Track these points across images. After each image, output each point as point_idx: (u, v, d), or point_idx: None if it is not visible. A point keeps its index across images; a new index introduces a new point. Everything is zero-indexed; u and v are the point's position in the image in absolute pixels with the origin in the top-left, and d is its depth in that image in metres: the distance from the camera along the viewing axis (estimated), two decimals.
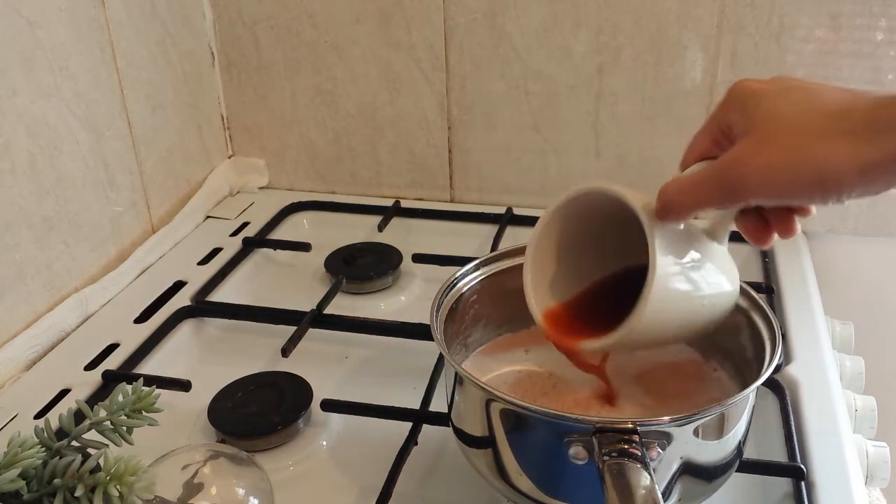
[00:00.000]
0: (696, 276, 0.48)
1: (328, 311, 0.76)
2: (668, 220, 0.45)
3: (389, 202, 0.96)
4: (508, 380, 0.58)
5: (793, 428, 0.60)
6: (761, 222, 0.45)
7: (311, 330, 0.73)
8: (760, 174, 0.39)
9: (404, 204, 0.96)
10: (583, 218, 0.51)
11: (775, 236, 0.46)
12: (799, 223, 0.45)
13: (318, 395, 0.64)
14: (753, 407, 0.51)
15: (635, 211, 0.46)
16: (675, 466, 0.47)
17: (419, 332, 0.71)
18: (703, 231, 0.49)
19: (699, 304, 0.49)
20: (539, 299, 0.53)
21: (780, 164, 0.39)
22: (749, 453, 0.55)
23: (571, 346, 0.51)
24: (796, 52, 0.82)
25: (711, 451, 0.49)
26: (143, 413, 0.46)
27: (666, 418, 0.46)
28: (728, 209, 0.46)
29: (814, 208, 0.44)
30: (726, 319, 0.56)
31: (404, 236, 0.91)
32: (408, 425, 0.61)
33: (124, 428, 0.45)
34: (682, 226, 0.47)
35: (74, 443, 0.45)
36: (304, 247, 0.88)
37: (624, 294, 0.48)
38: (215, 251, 0.88)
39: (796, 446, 0.58)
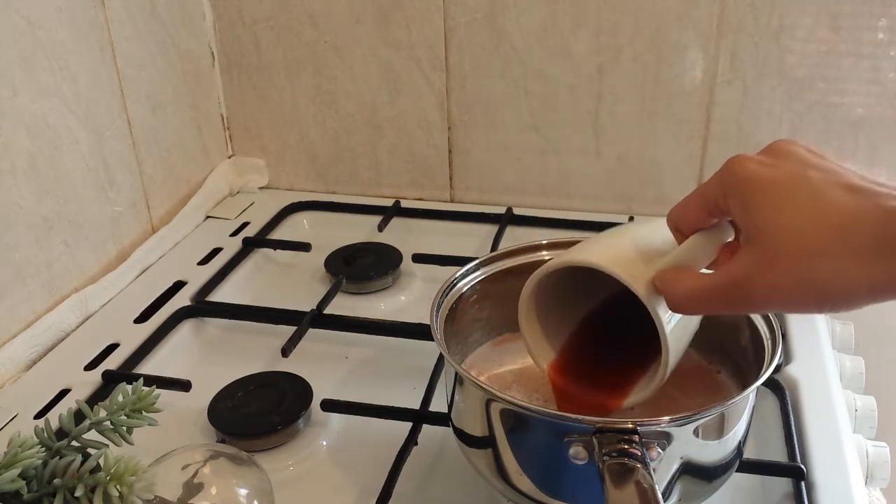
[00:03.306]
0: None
1: (328, 311, 0.76)
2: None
3: (389, 202, 0.96)
4: (515, 371, 0.58)
5: (793, 428, 0.60)
6: None
7: (311, 330, 0.73)
8: (767, 294, 0.38)
9: (404, 204, 0.96)
10: (566, 275, 0.51)
11: None
12: None
13: (318, 395, 0.64)
14: (753, 407, 0.51)
15: (640, 296, 0.45)
16: (675, 466, 0.47)
17: (419, 332, 0.71)
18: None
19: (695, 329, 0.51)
20: (542, 357, 0.54)
21: (786, 286, 0.38)
22: (749, 453, 0.55)
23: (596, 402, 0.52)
24: (796, 53, 0.82)
25: (711, 451, 0.49)
26: (143, 413, 0.46)
27: (666, 418, 0.46)
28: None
29: None
30: (726, 319, 0.56)
31: (404, 236, 0.91)
32: (408, 425, 0.61)
33: (124, 428, 0.45)
34: None
35: (74, 443, 0.45)
36: (304, 247, 0.88)
37: (621, 317, 0.50)
38: (215, 251, 0.88)
39: (796, 446, 0.58)
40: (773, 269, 0.38)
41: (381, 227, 0.91)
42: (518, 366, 0.59)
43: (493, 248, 0.84)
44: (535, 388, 0.56)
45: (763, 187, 0.39)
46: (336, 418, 0.64)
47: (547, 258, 0.61)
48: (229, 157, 1.03)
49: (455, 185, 0.98)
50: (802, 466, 0.56)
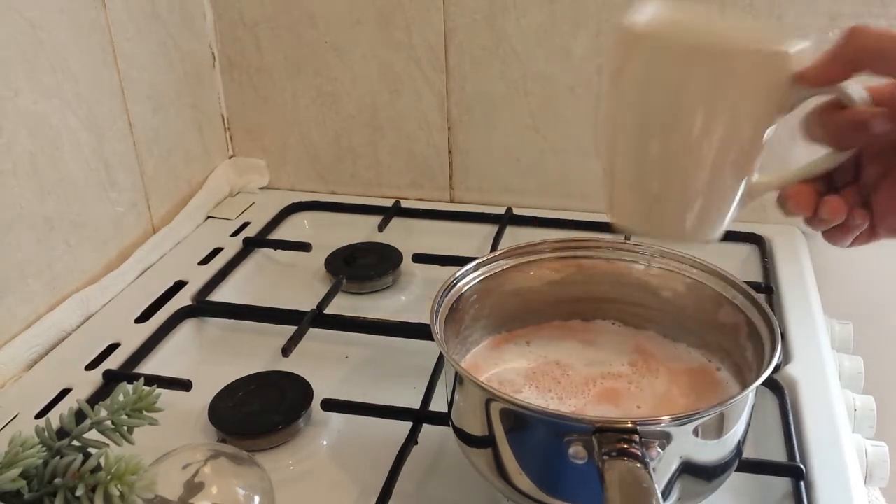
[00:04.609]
0: None
1: (329, 310, 0.76)
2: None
3: (390, 202, 0.96)
4: (521, 372, 0.58)
5: (792, 427, 0.60)
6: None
7: (311, 330, 0.73)
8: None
9: (404, 204, 0.97)
10: None
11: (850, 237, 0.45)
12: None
13: (319, 394, 0.65)
14: (753, 407, 0.51)
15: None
16: (674, 466, 0.47)
17: (419, 332, 0.71)
18: None
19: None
20: None
21: None
22: (748, 453, 0.55)
23: None
24: None
25: (711, 451, 0.49)
26: (144, 412, 0.46)
27: (666, 418, 0.46)
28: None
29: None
30: (725, 319, 0.56)
31: (404, 236, 0.91)
32: (408, 425, 0.61)
33: (125, 427, 0.46)
34: None
35: (75, 442, 0.45)
36: (304, 247, 0.88)
37: None
38: (216, 251, 0.88)
39: (795, 446, 0.59)
40: None
41: (381, 227, 0.91)
42: (523, 364, 0.59)
43: (493, 248, 0.85)
44: (548, 387, 0.56)
45: None
46: (336, 418, 0.64)
47: (547, 258, 0.62)
48: (230, 158, 1.03)
49: (455, 185, 0.98)
50: (801, 466, 0.56)
